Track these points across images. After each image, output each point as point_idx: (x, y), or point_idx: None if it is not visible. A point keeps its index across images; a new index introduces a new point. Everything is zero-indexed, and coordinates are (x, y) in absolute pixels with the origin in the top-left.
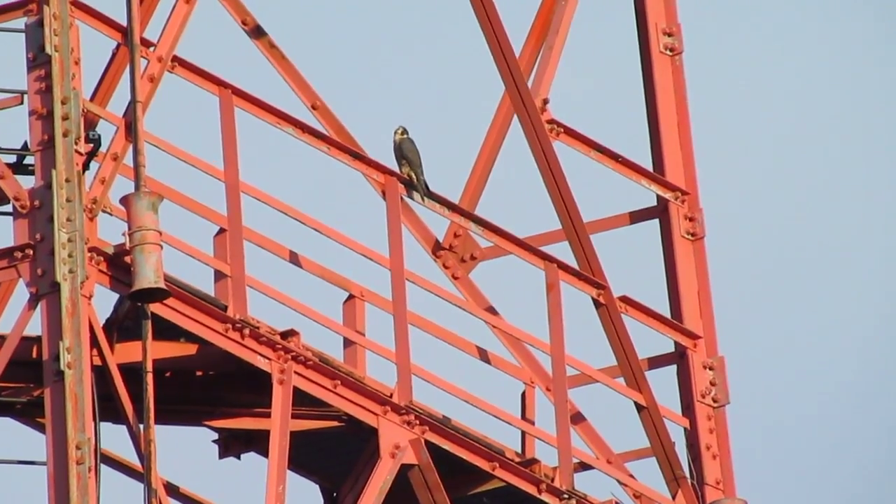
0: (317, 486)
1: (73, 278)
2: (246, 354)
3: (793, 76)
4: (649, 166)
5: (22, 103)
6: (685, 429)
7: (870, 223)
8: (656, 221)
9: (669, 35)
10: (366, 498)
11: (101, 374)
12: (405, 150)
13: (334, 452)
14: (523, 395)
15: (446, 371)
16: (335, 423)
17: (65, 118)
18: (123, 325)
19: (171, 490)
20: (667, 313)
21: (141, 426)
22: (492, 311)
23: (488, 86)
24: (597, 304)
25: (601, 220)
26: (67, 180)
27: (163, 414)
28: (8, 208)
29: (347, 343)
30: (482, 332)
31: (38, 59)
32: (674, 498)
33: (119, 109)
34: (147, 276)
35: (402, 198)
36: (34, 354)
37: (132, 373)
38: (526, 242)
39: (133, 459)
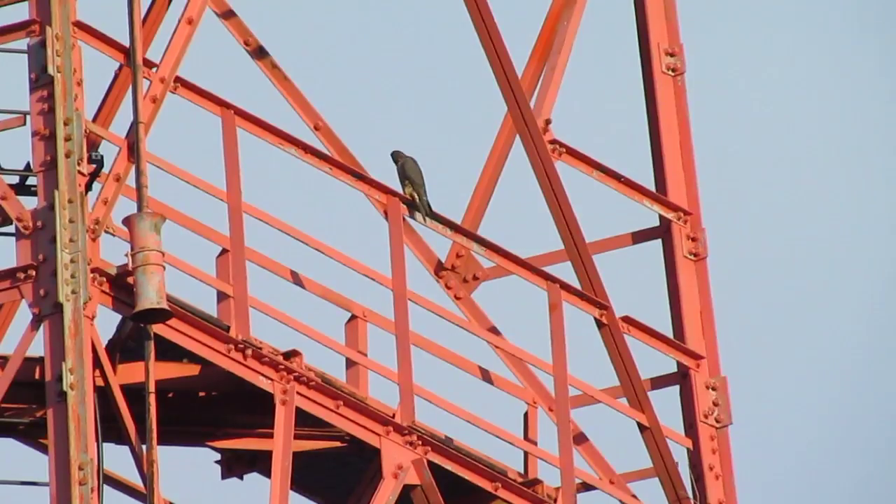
0: None
1: (76, 299)
2: (248, 375)
3: (796, 96)
4: (652, 186)
5: (24, 124)
6: (688, 449)
7: (873, 243)
8: (659, 242)
9: (671, 55)
10: None
11: (103, 394)
12: (408, 170)
13: (337, 473)
14: (526, 415)
15: (449, 391)
16: (338, 444)
17: (67, 139)
18: (126, 346)
19: None
20: (669, 333)
21: (143, 447)
22: (494, 331)
23: (490, 106)
24: (599, 324)
25: (603, 240)
26: (70, 201)
27: (165, 435)
28: (11, 229)
29: (350, 363)
30: (485, 353)
31: (41, 80)
32: None
33: (121, 130)
34: (150, 297)
35: (404, 218)
36: (37, 375)
37: (135, 393)
38: (528, 263)
39: (136, 480)
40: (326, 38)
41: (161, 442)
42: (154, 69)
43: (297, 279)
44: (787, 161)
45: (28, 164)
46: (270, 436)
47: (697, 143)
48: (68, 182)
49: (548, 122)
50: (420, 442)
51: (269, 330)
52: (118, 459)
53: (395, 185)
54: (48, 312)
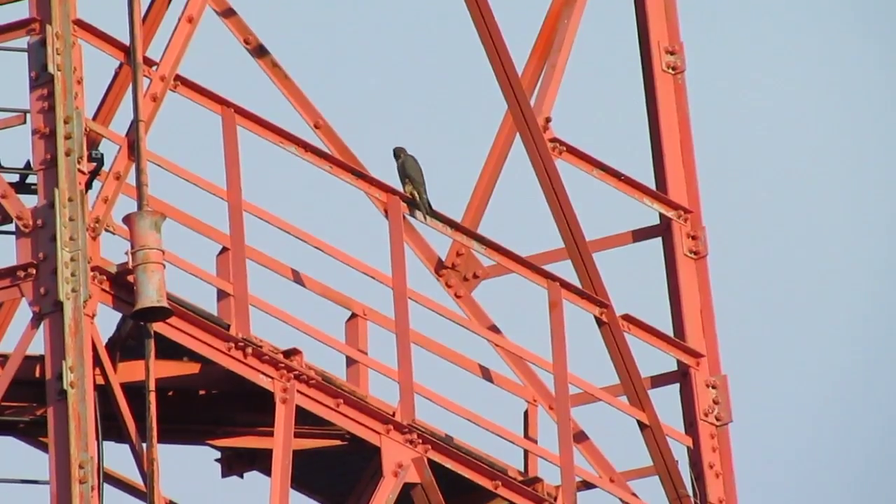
0: None
1: (76, 297)
2: (248, 373)
3: (795, 94)
4: (652, 185)
5: (24, 122)
6: (688, 447)
7: (873, 241)
8: (659, 240)
9: (672, 53)
10: None
11: (103, 393)
12: (408, 169)
13: (337, 471)
14: (526, 413)
15: (449, 390)
16: (338, 442)
17: (67, 137)
18: (126, 345)
19: None
20: (669, 332)
21: (144, 445)
22: (494, 329)
23: (491, 104)
24: (599, 322)
25: (604, 238)
26: (70, 199)
27: (165, 433)
28: (11, 227)
29: (350, 362)
30: (485, 351)
31: (41, 79)
32: None
33: (122, 128)
34: (150, 295)
35: (404, 216)
36: (37, 374)
37: (135, 392)
38: (528, 261)
39: (136, 478)
40: (326, 38)
41: (161, 440)
42: (154, 67)
43: (297, 277)
44: (787, 159)
45: (28, 163)
46: (271, 434)
47: (698, 141)
48: (68, 180)
49: (548, 120)
50: (420, 440)
51: (270, 328)
52: (118, 458)
53: (396, 183)
54: (48, 311)
